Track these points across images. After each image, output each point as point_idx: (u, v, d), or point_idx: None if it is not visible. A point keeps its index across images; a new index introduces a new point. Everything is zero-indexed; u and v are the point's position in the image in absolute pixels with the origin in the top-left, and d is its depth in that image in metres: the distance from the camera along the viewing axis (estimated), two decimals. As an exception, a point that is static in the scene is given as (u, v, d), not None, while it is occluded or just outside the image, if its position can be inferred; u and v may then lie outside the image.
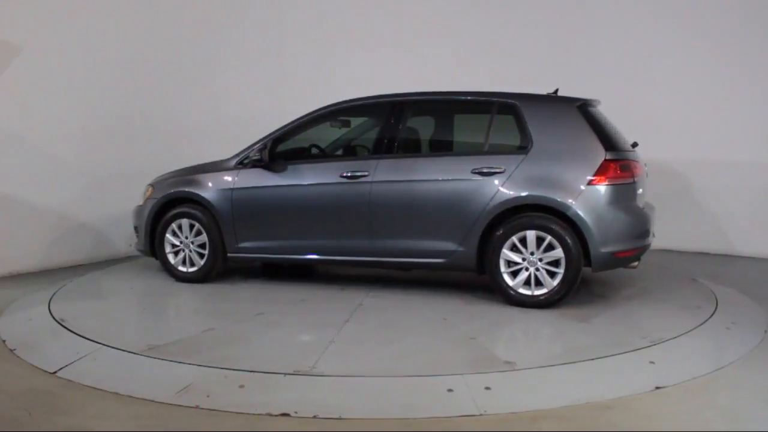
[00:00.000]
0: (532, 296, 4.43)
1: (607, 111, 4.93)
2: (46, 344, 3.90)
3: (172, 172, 5.63)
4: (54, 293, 4.94)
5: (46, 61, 5.95)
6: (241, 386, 3.14)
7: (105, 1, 6.46)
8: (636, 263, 4.73)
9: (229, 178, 5.22)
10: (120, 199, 6.62)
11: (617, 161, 4.40)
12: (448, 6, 7.86)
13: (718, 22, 6.50)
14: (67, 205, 6.21)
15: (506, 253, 4.46)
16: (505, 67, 7.30)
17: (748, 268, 6.14)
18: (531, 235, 4.39)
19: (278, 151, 5.14)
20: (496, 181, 4.48)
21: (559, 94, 4.95)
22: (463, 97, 5.01)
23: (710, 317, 4.22)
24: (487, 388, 3.09)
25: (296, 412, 2.86)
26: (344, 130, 5.59)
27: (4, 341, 3.91)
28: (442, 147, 5.18)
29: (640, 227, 4.51)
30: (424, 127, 5.17)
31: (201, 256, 5.33)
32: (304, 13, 8.33)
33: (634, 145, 4.87)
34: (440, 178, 4.66)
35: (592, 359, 3.43)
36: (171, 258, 5.42)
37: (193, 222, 5.31)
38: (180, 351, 3.61)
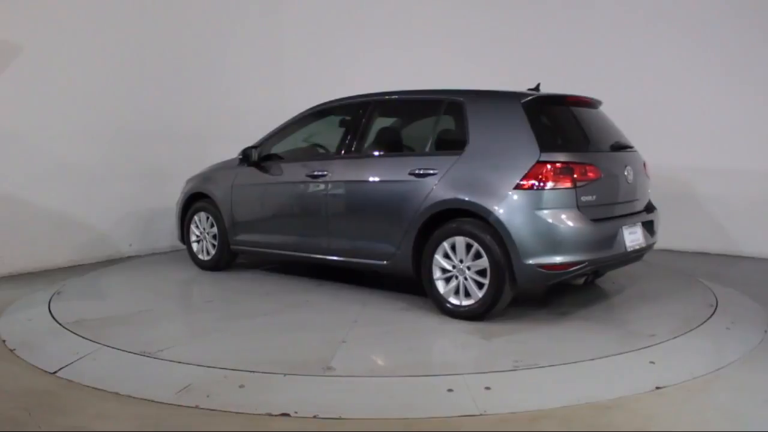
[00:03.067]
0: (459, 306, 4.15)
1: (611, 113, 4.88)
2: (46, 344, 3.89)
3: (205, 168, 6.02)
4: (54, 293, 4.95)
5: (47, 61, 5.94)
6: (241, 386, 3.14)
7: (106, 1, 6.45)
8: (582, 280, 4.31)
9: (231, 176, 5.57)
10: (120, 199, 6.64)
11: (554, 164, 3.92)
12: (450, 6, 7.85)
13: (720, 29, 6.50)
14: (67, 205, 6.20)
15: (438, 259, 4.21)
16: (507, 67, 7.29)
17: (748, 268, 6.12)
18: (460, 241, 4.11)
19: (273, 150, 5.41)
20: (429, 183, 4.26)
21: (559, 93, 4.71)
22: (415, 96, 4.87)
23: (710, 317, 4.22)
24: (488, 388, 3.09)
25: (296, 412, 2.86)
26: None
27: (4, 341, 3.91)
28: (391, 147, 4.89)
29: (582, 239, 3.93)
30: (379, 127, 5.07)
31: (214, 246, 5.70)
32: (306, 14, 8.34)
33: (618, 146, 4.49)
34: (381, 179, 4.61)
35: (592, 359, 3.43)
36: (194, 246, 5.91)
37: (208, 215, 5.69)
38: (96, 325, 4.05)
